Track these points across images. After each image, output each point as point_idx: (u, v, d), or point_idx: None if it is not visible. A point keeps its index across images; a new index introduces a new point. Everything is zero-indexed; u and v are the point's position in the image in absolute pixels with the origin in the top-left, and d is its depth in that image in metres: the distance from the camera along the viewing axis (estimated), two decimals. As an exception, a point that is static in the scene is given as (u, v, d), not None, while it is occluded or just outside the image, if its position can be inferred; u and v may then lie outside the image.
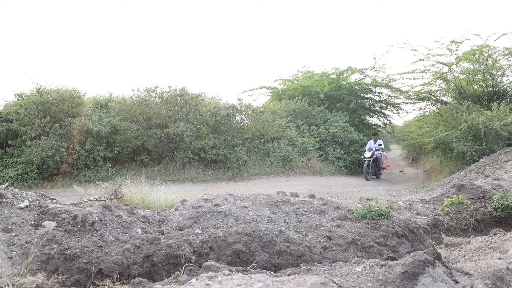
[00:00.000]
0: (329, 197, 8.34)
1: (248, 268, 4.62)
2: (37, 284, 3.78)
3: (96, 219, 5.78)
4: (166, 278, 4.55)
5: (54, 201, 6.69)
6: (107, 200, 8.16)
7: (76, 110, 18.26)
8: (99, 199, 8.32)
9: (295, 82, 29.15)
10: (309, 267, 4.38)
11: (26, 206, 6.03)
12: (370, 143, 20.42)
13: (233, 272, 3.86)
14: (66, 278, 4.69)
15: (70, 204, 6.85)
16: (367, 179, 18.90)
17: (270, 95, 30.06)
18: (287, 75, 34.60)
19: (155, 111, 18.49)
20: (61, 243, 5.14)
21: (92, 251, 5.11)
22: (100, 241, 5.33)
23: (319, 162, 20.91)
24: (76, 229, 5.55)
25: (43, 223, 5.68)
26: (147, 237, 5.53)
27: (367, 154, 19.51)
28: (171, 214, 6.78)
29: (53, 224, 5.63)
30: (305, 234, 6.12)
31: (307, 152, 21.11)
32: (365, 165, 19.29)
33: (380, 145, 20.23)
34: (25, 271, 4.60)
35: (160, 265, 5.25)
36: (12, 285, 3.94)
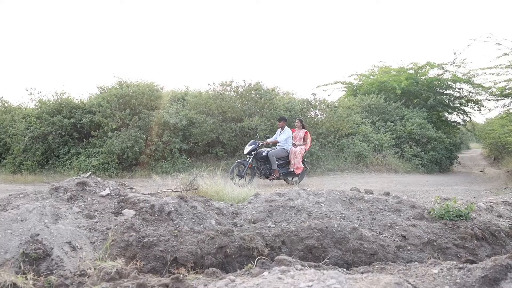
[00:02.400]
0: (405, 195, 8.15)
1: (320, 264, 4.65)
2: (116, 269, 4.00)
3: (172, 209, 6.01)
4: (238, 270, 4.68)
5: (133, 190, 7.02)
6: (183, 191, 8.44)
7: (154, 103, 18.96)
8: (175, 190, 8.62)
9: (371, 77, 28.58)
10: (382, 266, 4.34)
11: (107, 194, 6.37)
12: (277, 133, 13.71)
13: (306, 267, 3.91)
14: (143, 264, 4.93)
15: (148, 193, 7.15)
16: (233, 181, 11.27)
17: (345, 90, 29.68)
18: (363, 70, 33.99)
19: (230, 105, 18.82)
20: (139, 231, 5.40)
21: (168, 240, 5.33)
22: (176, 231, 5.54)
23: (394, 159, 20.42)
24: (153, 218, 5.80)
25: (122, 211, 5.98)
26: (221, 228, 5.68)
27: (245, 148, 13.08)
28: (245, 207, 6.91)
29: (132, 212, 5.92)
30: (379, 232, 6.04)
31: (382, 149, 20.68)
32: (234, 163, 12.87)
33: (288, 136, 13.38)
34: (106, 256, 4.88)
35: (233, 256, 5.38)
36: (94, 269, 4.19)
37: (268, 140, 13.32)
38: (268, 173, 13.05)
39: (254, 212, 6.62)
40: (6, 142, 19.10)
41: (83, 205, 6.02)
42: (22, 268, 4.54)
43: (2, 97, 21.57)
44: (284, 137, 13.27)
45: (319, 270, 3.85)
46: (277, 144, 13.48)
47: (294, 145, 13.50)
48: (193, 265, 5.10)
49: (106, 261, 4.53)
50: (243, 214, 6.63)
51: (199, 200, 6.66)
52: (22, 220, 5.42)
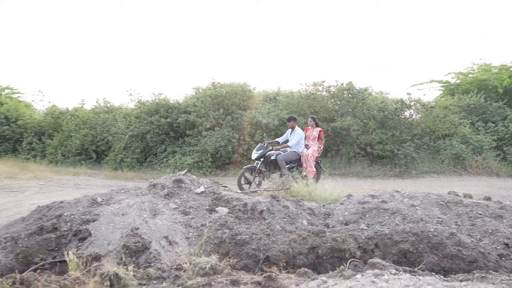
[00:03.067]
0: (507, 200, 7.67)
1: (415, 269, 4.50)
2: (211, 265, 4.11)
3: (265, 208, 6.08)
4: (330, 271, 4.64)
5: (226, 188, 7.19)
6: (275, 191, 8.51)
7: (247, 103, 19.28)
8: (267, 189, 8.71)
9: (470, 75, 27.11)
10: (483, 275, 4.13)
11: (202, 192, 6.57)
12: (287, 134, 12.44)
13: (400, 272, 3.81)
14: (236, 262, 5.02)
15: (241, 192, 7.28)
16: (240, 189, 10.95)
17: (441, 90, 28.37)
18: (461, 68, 32.33)
19: (322, 105, 18.71)
20: (232, 228, 5.51)
21: (260, 238, 5.40)
22: (268, 230, 5.60)
23: (496, 162, 19.23)
24: (246, 216, 5.90)
25: (216, 209, 6.15)
26: (312, 229, 5.67)
27: (253, 154, 11.87)
28: (337, 208, 6.84)
29: (225, 210, 6.06)
30: (479, 239, 5.74)
31: (482, 151, 19.55)
32: (242, 170, 11.97)
33: (300, 138, 11.99)
34: (200, 251, 5.03)
35: (324, 257, 5.35)
36: (189, 263, 4.34)
37: (278, 146, 11.96)
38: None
39: (346, 213, 6.54)
40: (108, 140, 20.24)
41: (179, 202, 6.25)
42: (124, 259, 4.80)
43: (105, 98, 22.92)
44: (295, 140, 11.81)
45: (415, 275, 3.73)
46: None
47: (307, 146, 12.07)
48: (284, 264, 5.13)
49: (201, 256, 4.67)
50: (335, 215, 6.57)
51: (291, 200, 6.69)
52: (123, 214, 5.73)
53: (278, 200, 6.39)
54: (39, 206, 6.68)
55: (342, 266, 4.51)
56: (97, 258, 4.90)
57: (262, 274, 4.08)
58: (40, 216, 6.10)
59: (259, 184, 11.52)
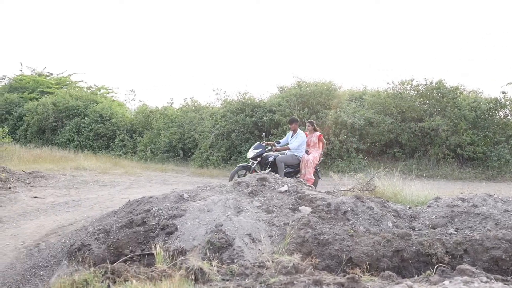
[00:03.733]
0: None
1: (508, 278, 4.25)
2: (293, 264, 4.11)
3: (348, 208, 5.99)
4: (416, 276, 4.49)
5: (310, 188, 7.15)
6: (359, 191, 8.38)
7: (332, 102, 19.11)
8: (351, 190, 8.61)
9: None
10: None
11: (286, 191, 6.59)
12: (288, 137, 11.56)
13: (492, 280, 3.61)
14: (318, 261, 4.99)
15: (324, 192, 7.24)
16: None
17: (540, 88, 26.57)
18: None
19: (409, 104, 18.15)
20: (315, 228, 5.48)
21: (343, 239, 5.33)
22: (351, 230, 5.52)
23: None
24: (329, 216, 5.85)
25: (299, 208, 6.14)
26: (397, 231, 5.52)
27: (250, 152, 11.24)
28: (423, 211, 6.61)
29: (309, 209, 6.04)
30: None
31: None
32: (236, 168, 11.40)
33: (301, 142, 11.11)
34: (283, 250, 5.04)
35: (409, 261, 5.20)
36: (272, 262, 4.36)
37: (278, 146, 11.17)
38: None
39: (433, 216, 6.30)
40: (195, 138, 20.84)
41: (262, 200, 6.31)
42: (208, 255, 4.91)
43: (192, 97, 23.61)
44: (297, 144, 10.94)
45: (508, 284, 3.53)
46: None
47: (307, 151, 11.23)
48: (367, 266, 5.03)
49: (283, 255, 4.68)
50: (421, 218, 6.35)
51: (376, 201, 6.54)
52: (208, 211, 5.88)
53: (362, 201, 6.27)
54: (129, 201, 7.00)
55: (428, 272, 4.35)
56: (182, 252, 5.06)
57: (344, 276, 4.03)
58: (130, 210, 6.40)
59: None
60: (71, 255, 5.69)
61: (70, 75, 34.79)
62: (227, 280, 4.19)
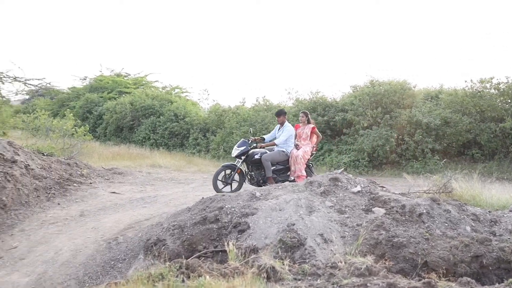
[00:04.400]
0: None
1: None
2: (366, 266, 4.05)
3: (424, 211, 5.82)
4: (496, 284, 4.29)
5: (384, 189, 7.01)
6: (435, 193, 8.11)
7: (406, 101, 18.58)
8: (427, 191, 8.34)
9: None
10: None
11: (358, 191, 6.49)
12: (275, 131, 10.64)
13: None
14: (392, 264, 4.88)
15: (399, 193, 7.06)
16: (216, 190, 9.80)
17: None
18: None
19: (489, 104, 17.29)
20: (389, 230, 5.36)
21: (418, 242, 5.19)
22: (427, 234, 5.36)
23: None
24: (403, 218, 5.70)
25: (373, 209, 6.03)
26: (476, 236, 5.30)
27: (234, 150, 10.35)
28: (505, 216, 6.30)
29: (382, 211, 5.92)
30: None
31: None
32: (220, 168, 10.41)
33: (289, 136, 10.14)
34: (356, 251, 4.97)
35: (489, 268, 4.97)
36: (344, 263, 4.32)
37: (263, 143, 10.28)
38: (261, 180, 10.03)
39: (517, 222, 5.99)
40: (268, 138, 20.94)
41: (335, 200, 6.25)
42: (280, 254, 4.93)
43: (264, 97, 23.72)
44: (284, 138, 10.04)
45: None
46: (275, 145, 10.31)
47: (297, 146, 10.25)
48: (444, 271, 4.86)
49: (356, 256, 4.62)
50: (502, 223, 6.05)
51: (453, 204, 6.31)
52: (280, 210, 5.89)
53: (438, 204, 6.07)
54: (203, 198, 7.15)
55: (510, 279, 4.14)
56: (254, 250, 5.10)
57: (419, 280, 3.91)
58: (204, 207, 6.53)
59: (239, 185, 10.11)
60: (147, 250, 5.89)
61: (146, 76, 35.98)
62: (299, 280, 4.19)
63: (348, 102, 19.03)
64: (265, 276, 4.14)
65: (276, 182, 9.56)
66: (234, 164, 10.16)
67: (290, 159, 10.01)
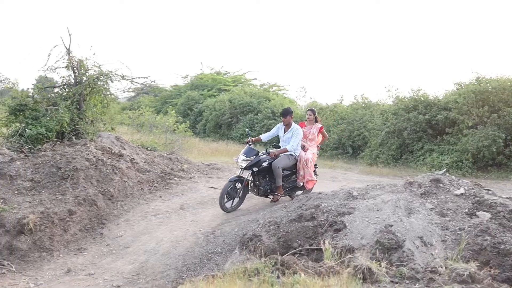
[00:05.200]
0: None
1: None
2: (469, 272, 3.87)
3: (535, 217, 5.41)
4: None
5: (489, 192, 6.61)
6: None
7: (516, 99, 17.40)
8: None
9: None
10: None
11: (462, 194, 6.19)
12: (278, 130, 9.43)
13: None
14: (497, 273, 4.61)
15: (506, 197, 6.64)
16: (223, 209, 8.52)
17: None
18: None
19: None
20: (495, 236, 5.07)
21: (529, 250, 4.84)
22: (539, 242, 4.98)
23: None
24: (511, 224, 5.34)
25: (477, 213, 5.72)
26: None
27: (242, 161, 8.66)
28: None
29: (487, 215, 5.60)
30: None
31: None
32: (227, 183, 8.65)
33: (296, 136, 9.00)
34: (457, 257, 4.75)
35: None
36: (445, 268, 4.14)
37: (275, 150, 8.92)
38: (268, 190, 8.87)
39: None
40: (365, 136, 20.58)
41: (436, 202, 6.00)
42: (377, 255, 4.83)
43: (363, 94, 23.41)
44: (296, 143, 8.95)
45: None
46: (283, 145, 9.14)
47: (303, 147, 9.26)
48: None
49: (458, 262, 4.41)
50: None
51: None
52: (377, 210, 5.77)
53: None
54: (299, 196, 7.17)
55: None
56: (350, 250, 5.04)
57: (530, 291, 3.67)
58: (300, 205, 6.55)
59: (240, 200, 8.84)
60: (243, 244, 6.01)
61: (245, 73, 36.78)
62: (396, 283, 4.08)
63: (452, 100, 18.17)
64: (361, 277, 4.08)
65: (284, 190, 8.92)
66: (241, 177, 8.69)
67: (298, 163, 9.08)
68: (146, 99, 37.90)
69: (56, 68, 12.13)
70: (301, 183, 9.09)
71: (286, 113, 9.05)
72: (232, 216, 8.38)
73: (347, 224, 5.56)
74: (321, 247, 4.88)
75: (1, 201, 8.05)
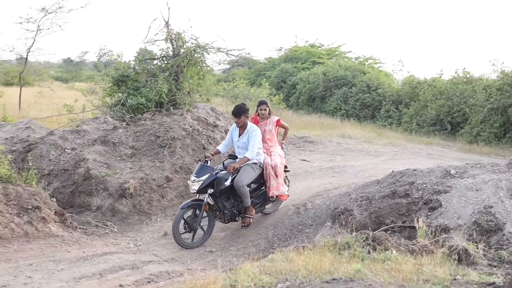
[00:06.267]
0: None
1: None
2: None
3: None
4: None
5: None
6: None
7: None
8: None
9: None
10: None
11: None
12: (232, 135, 7.38)
13: None
14: None
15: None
16: (180, 244, 6.56)
17: None
18: None
19: None
20: None
21: None
22: None
23: None
24: None
25: None
26: None
27: (193, 183, 6.73)
28: None
29: None
30: None
31: None
32: (179, 212, 6.64)
33: (254, 138, 6.97)
34: None
35: None
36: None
37: (235, 164, 6.86)
38: (236, 213, 6.99)
39: None
40: (465, 112, 19.57)
41: (541, 184, 5.62)
42: (474, 236, 4.63)
43: (464, 68, 22.15)
44: (256, 147, 6.99)
45: None
46: (239, 153, 7.24)
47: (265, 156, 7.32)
48: None
49: None
50: None
51: None
52: (476, 190, 5.50)
53: None
54: (393, 171, 7.01)
55: None
56: (445, 230, 4.88)
57: None
58: (394, 181, 6.40)
59: (210, 227, 6.92)
60: (334, 218, 6.00)
61: (340, 46, 36.07)
62: (495, 267, 3.91)
63: None
64: (456, 258, 3.94)
65: (254, 207, 7.11)
66: (200, 201, 6.81)
67: (264, 171, 7.24)
68: (241, 71, 38.38)
69: (155, 40, 12.59)
70: (274, 196, 7.28)
71: (240, 112, 6.99)
72: (323, 189, 8.38)
73: (443, 202, 5.36)
74: (415, 225, 4.75)
75: (105, 166, 8.57)
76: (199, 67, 12.73)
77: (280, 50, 38.54)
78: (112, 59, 16.20)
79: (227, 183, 6.78)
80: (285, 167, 7.62)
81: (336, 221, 5.88)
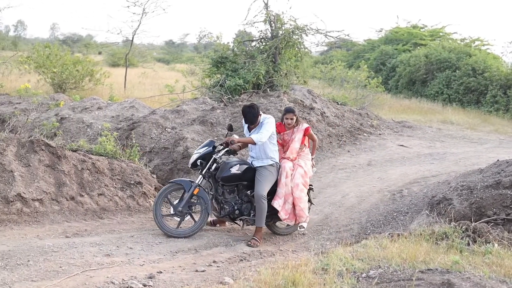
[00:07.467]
0: None
1: None
2: None
3: None
4: None
5: None
6: None
7: None
8: None
9: None
10: None
11: None
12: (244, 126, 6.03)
13: None
14: None
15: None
16: (161, 228, 5.55)
17: None
18: None
19: None
20: None
21: None
22: None
23: None
24: None
25: None
26: None
27: (194, 155, 5.79)
28: None
29: None
30: None
31: None
32: (163, 188, 5.83)
33: (267, 125, 5.57)
34: None
35: None
36: None
37: (237, 139, 5.86)
38: (237, 212, 5.86)
39: None
40: None
41: None
42: None
43: None
44: (269, 132, 5.79)
45: None
46: (251, 148, 6.07)
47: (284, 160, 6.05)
48: None
49: None
50: None
51: None
52: None
53: None
54: (498, 160, 6.61)
55: None
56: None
57: None
58: (498, 170, 6.04)
59: (201, 219, 5.81)
60: (432, 207, 5.79)
61: (444, 27, 34.28)
62: None
63: None
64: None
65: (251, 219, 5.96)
66: (190, 181, 5.97)
67: (280, 177, 5.97)
68: (339, 53, 37.74)
69: (254, 22, 12.75)
70: (285, 217, 5.92)
71: (252, 118, 5.85)
72: (421, 176, 8.10)
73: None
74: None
75: (204, 145, 8.88)
76: (297, 49, 12.73)
77: (381, 31, 37.43)
78: (212, 41, 16.60)
79: (234, 170, 5.81)
80: (310, 187, 6.31)
81: (434, 209, 5.67)
